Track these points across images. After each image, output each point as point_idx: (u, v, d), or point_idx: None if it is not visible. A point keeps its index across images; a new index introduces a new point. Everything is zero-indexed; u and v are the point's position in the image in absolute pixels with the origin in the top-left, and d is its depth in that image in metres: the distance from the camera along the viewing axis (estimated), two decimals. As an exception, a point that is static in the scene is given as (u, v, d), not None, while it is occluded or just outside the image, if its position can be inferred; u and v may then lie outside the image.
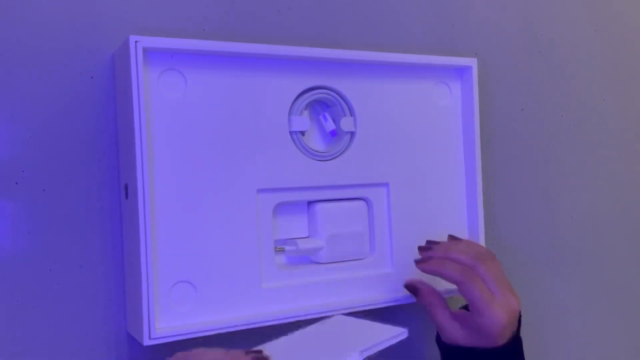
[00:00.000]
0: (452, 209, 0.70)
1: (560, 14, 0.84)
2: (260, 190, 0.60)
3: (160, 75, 0.57)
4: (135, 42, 0.54)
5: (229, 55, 0.59)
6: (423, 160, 0.69)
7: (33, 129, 0.56)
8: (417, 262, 0.63)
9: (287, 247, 0.63)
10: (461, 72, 0.71)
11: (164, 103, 0.57)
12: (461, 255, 0.60)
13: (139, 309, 0.54)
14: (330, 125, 0.65)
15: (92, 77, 0.58)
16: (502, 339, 0.59)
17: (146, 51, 0.55)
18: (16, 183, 0.56)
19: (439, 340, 0.64)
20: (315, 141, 0.65)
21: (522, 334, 0.63)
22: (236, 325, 0.58)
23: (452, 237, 0.65)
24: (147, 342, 0.54)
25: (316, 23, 0.68)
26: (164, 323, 0.56)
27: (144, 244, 0.53)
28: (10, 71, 0.56)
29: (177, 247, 0.57)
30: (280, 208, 0.63)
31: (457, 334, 0.61)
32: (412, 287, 0.64)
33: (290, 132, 0.62)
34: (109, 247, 0.59)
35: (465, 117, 0.71)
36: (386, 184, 0.67)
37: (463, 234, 0.71)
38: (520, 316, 0.62)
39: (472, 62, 0.70)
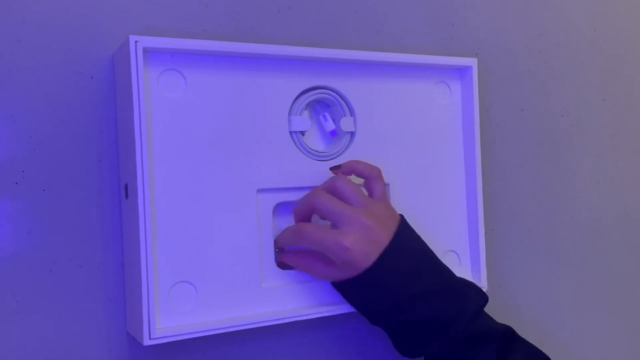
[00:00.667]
0: (452, 208, 0.70)
1: (560, 14, 0.84)
2: (260, 190, 0.60)
3: (160, 75, 0.57)
4: (135, 42, 0.54)
5: (229, 56, 0.59)
6: (423, 160, 0.69)
7: (33, 129, 0.56)
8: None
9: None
10: (461, 72, 0.71)
11: (164, 103, 0.57)
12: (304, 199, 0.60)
13: (139, 309, 0.54)
14: (330, 125, 0.65)
15: (92, 77, 0.58)
16: (366, 261, 0.56)
17: (146, 51, 0.55)
18: (16, 183, 0.56)
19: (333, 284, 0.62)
20: (315, 141, 0.65)
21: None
22: (236, 325, 0.57)
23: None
24: (147, 342, 0.53)
25: (316, 23, 0.68)
26: (164, 323, 0.56)
27: (144, 243, 0.53)
28: (11, 71, 0.56)
29: (177, 247, 0.57)
30: (281, 208, 0.63)
31: (337, 275, 0.59)
32: (282, 264, 0.62)
33: (290, 132, 0.62)
34: (109, 247, 0.59)
35: (465, 117, 0.71)
36: (387, 184, 0.67)
37: (463, 233, 0.71)
38: (401, 226, 0.59)
39: (472, 62, 0.70)
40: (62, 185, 0.57)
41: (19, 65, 0.56)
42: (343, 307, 0.62)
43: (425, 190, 0.69)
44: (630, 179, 0.89)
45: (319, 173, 0.63)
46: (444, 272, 0.61)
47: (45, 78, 0.57)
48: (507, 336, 0.61)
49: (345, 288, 0.60)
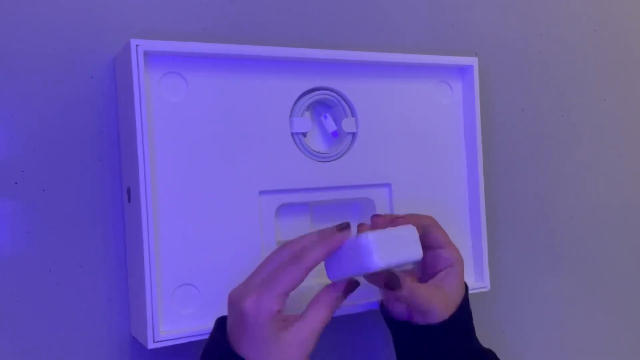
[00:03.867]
0: (454, 208, 0.70)
1: (560, 14, 0.84)
2: (262, 192, 0.60)
3: (162, 78, 0.56)
4: (136, 45, 0.53)
5: (230, 58, 0.59)
6: (425, 160, 0.69)
7: (33, 129, 0.56)
8: None
9: None
10: (462, 71, 0.71)
11: (165, 106, 0.56)
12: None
13: (143, 313, 0.54)
14: (331, 126, 0.65)
15: (91, 77, 0.58)
16: (442, 316, 0.58)
17: (147, 55, 0.55)
18: (16, 183, 0.55)
19: (384, 314, 0.63)
20: (317, 142, 0.65)
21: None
22: (239, 328, 0.57)
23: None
24: (151, 345, 0.53)
25: (316, 23, 0.68)
26: (167, 326, 0.56)
27: (147, 247, 0.53)
28: (11, 72, 0.55)
29: (180, 250, 0.56)
30: (283, 209, 0.63)
31: (400, 310, 0.61)
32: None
33: (292, 134, 0.62)
34: (110, 247, 0.58)
35: (466, 117, 0.71)
36: (388, 185, 0.67)
37: (466, 233, 0.71)
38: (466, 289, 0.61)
39: (473, 61, 0.70)
40: (62, 185, 0.57)
41: (19, 65, 0.56)
42: (346, 309, 0.62)
43: (427, 190, 0.69)
44: (631, 179, 0.90)
45: (321, 174, 0.63)
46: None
47: (45, 78, 0.56)
48: None
49: (400, 328, 0.61)
